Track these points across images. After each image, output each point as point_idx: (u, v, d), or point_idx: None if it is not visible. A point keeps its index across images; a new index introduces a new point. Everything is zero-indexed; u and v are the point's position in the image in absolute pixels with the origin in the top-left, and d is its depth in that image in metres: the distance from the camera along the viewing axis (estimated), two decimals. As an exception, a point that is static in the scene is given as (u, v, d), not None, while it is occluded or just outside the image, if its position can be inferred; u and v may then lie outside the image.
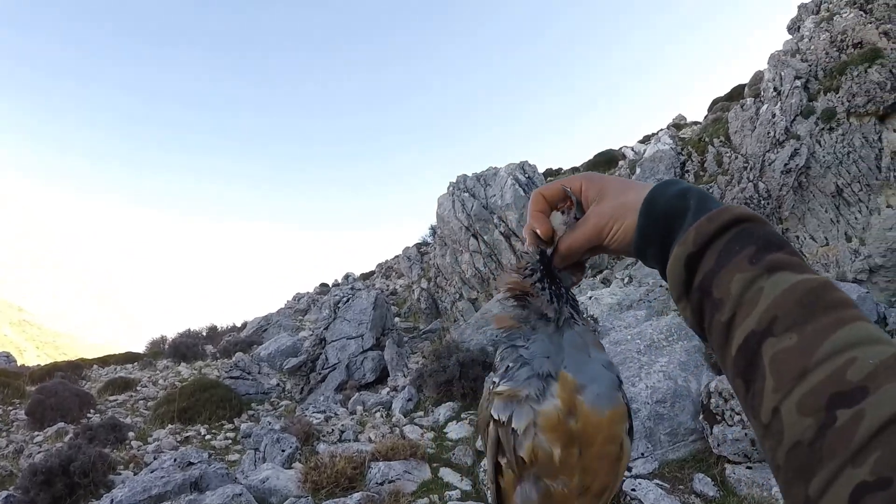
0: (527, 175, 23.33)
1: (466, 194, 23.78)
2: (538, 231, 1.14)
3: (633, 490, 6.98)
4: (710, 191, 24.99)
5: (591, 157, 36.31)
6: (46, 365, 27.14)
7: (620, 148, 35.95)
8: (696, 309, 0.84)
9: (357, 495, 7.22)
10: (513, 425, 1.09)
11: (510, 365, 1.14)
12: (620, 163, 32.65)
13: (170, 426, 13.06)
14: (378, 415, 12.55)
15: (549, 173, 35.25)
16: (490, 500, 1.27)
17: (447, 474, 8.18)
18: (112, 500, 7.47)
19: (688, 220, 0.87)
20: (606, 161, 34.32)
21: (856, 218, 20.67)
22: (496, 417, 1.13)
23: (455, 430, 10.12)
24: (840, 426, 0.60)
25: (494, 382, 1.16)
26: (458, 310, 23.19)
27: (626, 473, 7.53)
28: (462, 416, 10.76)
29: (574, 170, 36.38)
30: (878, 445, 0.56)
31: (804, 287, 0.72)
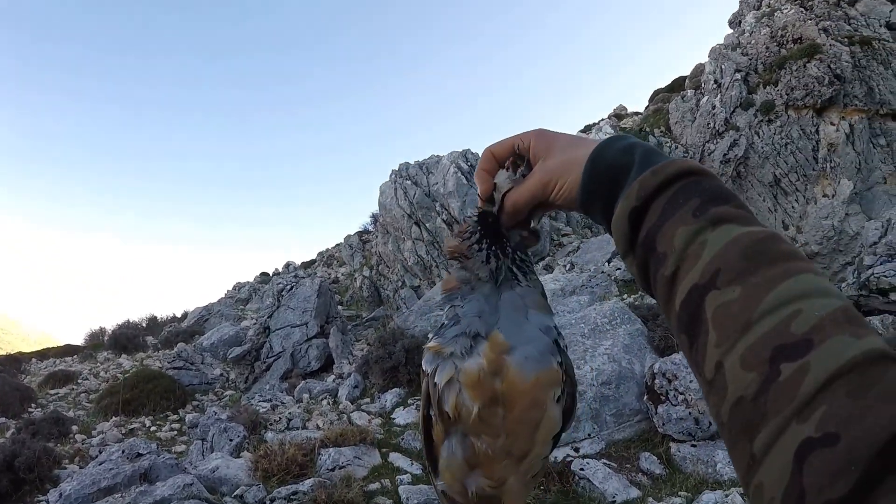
0: (469, 163, 23.39)
1: (409, 182, 23.80)
2: (478, 191, 1.16)
3: (582, 469, 7.16)
4: None
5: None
6: None
7: (563, 136, 36.31)
8: (641, 264, 0.82)
9: (309, 482, 7.26)
10: (434, 379, 1.10)
11: (444, 322, 1.15)
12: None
13: (114, 418, 12.91)
14: (325, 402, 12.56)
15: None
16: (423, 452, 1.29)
17: (397, 459, 8.27)
18: (61, 495, 7.42)
19: (632, 174, 0.84)
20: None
21: (793, 207, 21.30)
22: (424, 369, 1.15)
23: (402, 416, 10.23)
24: (784, 380, 0.58)
25: (429, 338, 1.18)
26: (400, 297, 23.26)
27: (574, 454, 7.69)
28: (409, 401, 10.87)
29: (516, 158, 36.47)
30: (824, 400, 0.55)
31: (749, 239, 0.71)
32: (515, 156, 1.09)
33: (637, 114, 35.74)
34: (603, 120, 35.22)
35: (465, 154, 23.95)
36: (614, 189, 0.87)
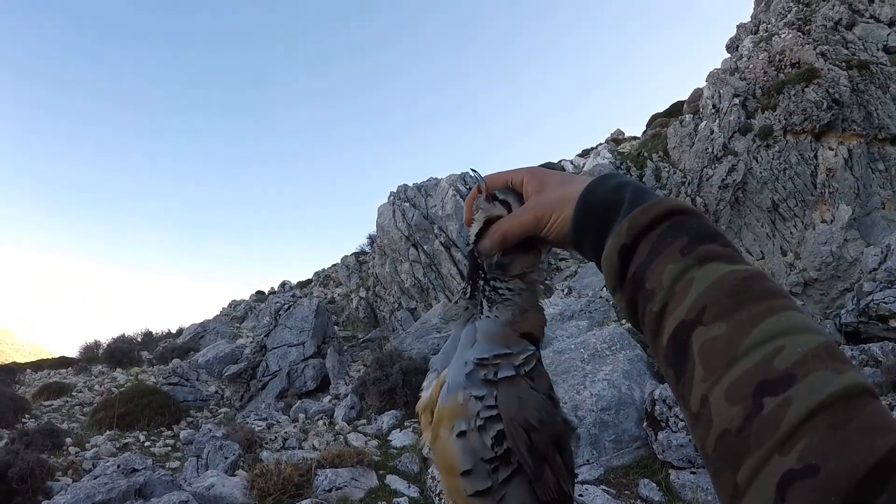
0: (468, 186, 23.41)
1: (407, 204, 23.85)
2: (465, 217, 1.18)
3: (581, 496, 7.11)
4: None
5: (531, 168, 36.62)
6: None
7: (560, 161, 36.16)
8: (629, 300, 0.84)
9: (306, 502, 7.26)
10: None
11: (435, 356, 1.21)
12: (558, 176, 33.04)
13: (108, 432, 12.86)
14: (321, 422, 12.52)
15: (490, 185, 35.70)
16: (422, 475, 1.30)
17: (394, 481, 8.23)
18: (55, 507, 7.36)
19: (622, 211, 0.86)
20: (544, 174, 34.65)
21: (791, 233, 21.26)
22: None
23: (399, 438, 10.17)
24: (767, 414, 0.60)
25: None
26: (396, 319, 23.24)
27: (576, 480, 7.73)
28: (405, 423, 10.80)
29: (512, 181, 36.54)
30: (806, 433, 0.57)
31: (734, 277, 0.72)
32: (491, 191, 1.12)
33: (635, 138, 35.82)
34: (601, 145, 35.26)
35: (464, 177, 24.00)
36: (605, 226, 0.89)
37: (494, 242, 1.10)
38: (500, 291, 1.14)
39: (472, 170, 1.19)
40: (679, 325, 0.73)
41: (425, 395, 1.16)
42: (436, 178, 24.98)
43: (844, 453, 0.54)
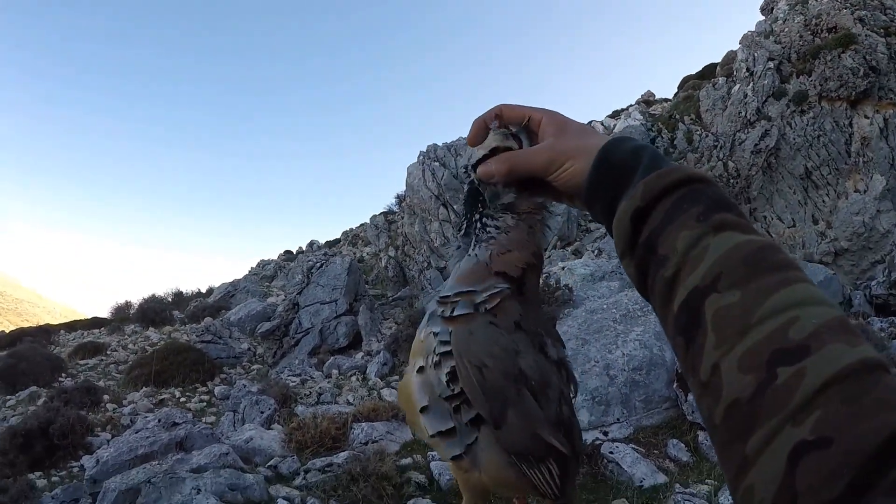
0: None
1: (437, 164, 23.71)
2: (469, 134, 1.15)
3: (611, 453, 7.12)
4: None
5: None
6: (14, 330, 26.94)
7: (590, 122, 35.76)
8: (639, 265, 0.83)
9: (343, 454, 7.26)
10: None
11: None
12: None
13: (144, 389, 13.05)
14: (354, 378, 12.61)
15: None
16: None
17: (428, 436, 8.29)
18: (98, 461, 7.50)
19: (638, 176, 0.85)
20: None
21: (823, 201, 20.92)
22: None
23: (432, 395, 10.23)
24: (781, 384, 0.59)
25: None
26: (425, 278, 23.21)
27: (602, 437, 7.69)
28: (438, 381, 10.84)
29: (542, 142, 36.19)
30: (820, 404, 0.56)
31: (750, 246, 0.72)
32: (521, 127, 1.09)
33: (666, 100, 35.16)
34: (632, 106, 34.78)
35: (494, 135, 23.83)
36: (618, 187, 0.88)
37: (499, 171, 1.08)
38: (487, 229, 1.14)
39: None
40: (692, 291, 0.72)
41: (420, 329, 1.16)
42: (465, 138, 24.84)
43: (858, 426, 0.54)
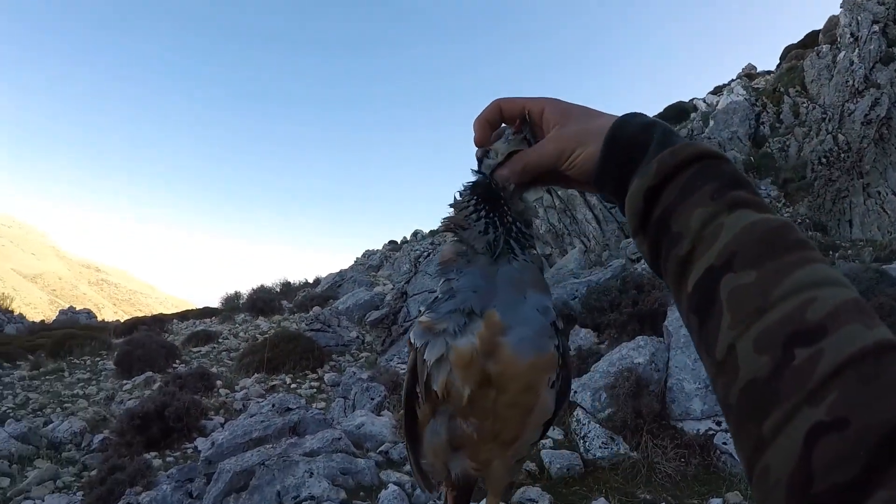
0: (602, 130, 22.98)
1: (545, 150, 23.63)
2: (474, 136, 1.10)
3: (725, 444, 6.89)
4: (788, 143, 24.82)
5: (661, 109, 35.48)
6: (130, 319, 28.14)
7: (691, 100, 35.13)
8: (652, 243, 0.81)
9: (455, 441, 7.16)
10: (424, 356, 1.04)
11: (439, 296, 1.08)
12: (692, 115, 31.99)
13: (255, 375, 13.27)
14: (461, 366, 12.55)
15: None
16: (402, 428, 1.26)
17: (538, 423, 8.11)
18: (213, 443, 7.59)
19: (650, 153, 0.83)
20: (677, 113, 33.56)
21: (942, 174, 19.79)
22: (413, 343, 1.08)
23: (542, 382, 10.02)
24: (798, 365, 0.58)
25: (420, 311, 1.13)
26: (526, 265, 23.10)
27: (716, 427, 7.37)
28: (547, 368, 10.62)
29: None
30: (836, 385, 0.55)
31: (765, 225, 0.70)
32: (522, 119, 1.05)
33: (769, 73, 34.26)
34: (733, 81, 33.94)
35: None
36: (629, 166, 0.86)
37: (514, 172, 1.05)
38: (525, 235, 1.09)
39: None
40: (707, 270, 0.71)
41: (466, 341, 1.00)
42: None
43: (874, 408, 0.53)
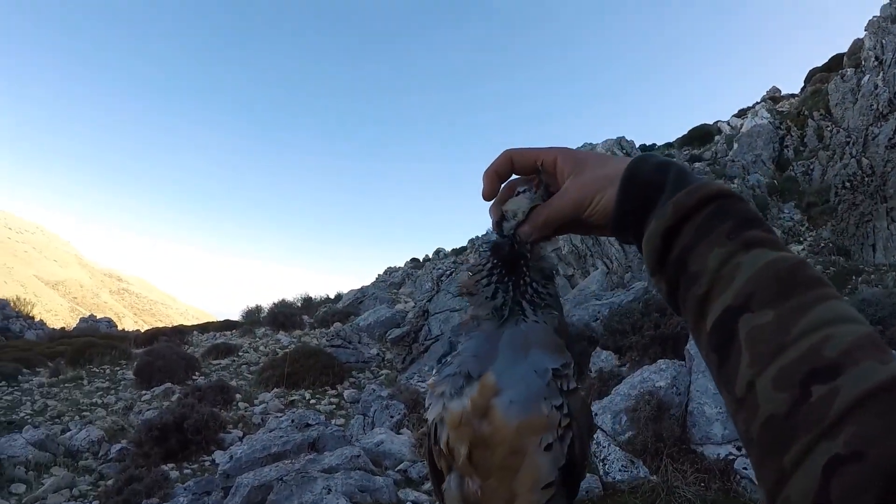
0: (625, 151, 22.99)
1: (567, 172, 23.67)
2: (483, 189, 1.09)
3: (745, 468, 6.84)
4: (812, 167, 24.99)
5: (685, 131, 35.78)
6: (150, 330, 28.37)
7: (715, 122, 35.31)
8: (670, 282, 0.82)
9: (475, 463, 7.15)
10: (425, 416, 1.08)
11: (448, 359, 1.08)
12: (717, 137, 32.13)
13: (275, 390, 13.24)
14: (484, 388, 12.49)
15: (644, 149, 34.59)
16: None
17: (557, 445, 8.05)
18: (232, 456, 7.58)
19: (665, 193, 0.84)
20: (701, 136, 33.79)
21: (967, 201, 19.64)
22: (425, 404, 1.11)
23: (564, 404, 9.93)
24: (815, 401, 0.60)
25: (432, 373, 1.12)
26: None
27: (736, 452, 7.33)
28: (572, 390, 10.53)
29: (668, 145, 35.74)
30: (852, 420, 0.57)
31: (781, 264, 0.71)
32: (536, 172, 1.05)
33: (793, 96, 34.45)
34: (758, 104, 34.01)
35: (620, 141, 23.50)
36: (647, 207, 0.87)
37: (537, 227, 1.04)
38: (541, 294, 1.07)
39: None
40: (725, 310, 0.72)
41: (458, 403, 1.02)
42: (591, 144, 24.58)
43: (889, 441, 0.55)
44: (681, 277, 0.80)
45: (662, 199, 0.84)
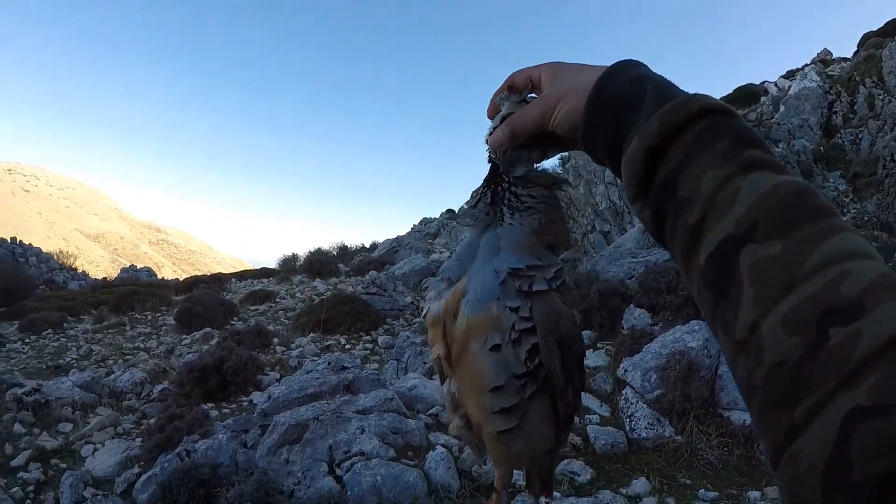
0: (673, 107, 22.63)
1: (606, 124, 23.42)
2: (487, 109, 1.11)
3: None
4: (860, 136, 24.04)
5: (730, 90, 34.61)
6: (189, 278, 28.76)
7: (762, 83, 34.16)
8: (655, 209, 0.75)
9: (504, 408, 7.24)
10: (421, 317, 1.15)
11: (445, 264, 1.17)
12: (763, 98, 31.16)
13: (311, 335, 13.42)
14: (515, 338, 12.54)
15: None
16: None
17: (587, 399, 8.03)
18: (270, 396, 7.79)
19: (645, 108, 0.77)
20: (747, 96, 32.67)
21: None
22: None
23: (592, 358, 9.87)
24: (834, 345, 0.54)
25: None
26: (589, 242, 22.88)
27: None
28: (598, 345, 10.48)
29: (713, 103, 34.81)
30: (877, 368, 0.51)
31: (786, 190, 0.65)
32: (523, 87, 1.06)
33: (845, 60, 33.24)
34: (807, 66, 33.08)
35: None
36: (619, 123, 0.81)
37: (504, 136, 1.03)
38: (521, 198, 1.11)
39: None
40: (723, 240, 0.66)
41: (436, 305, 1.12)
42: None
43: None
44: (668, 204, 0.73)
45: (642, 114, 0.77)
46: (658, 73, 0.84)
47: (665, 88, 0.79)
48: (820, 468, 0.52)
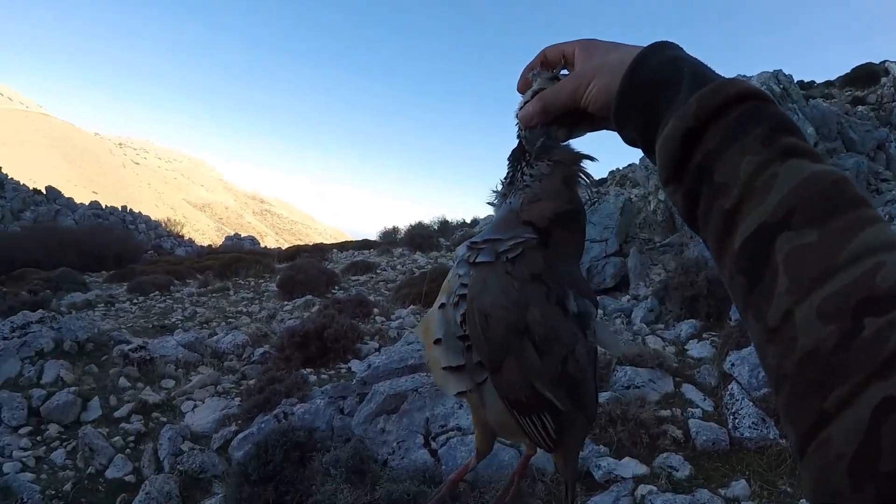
0: (781, 85, 21.78)
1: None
2: (518, 83, 1.11)
3: None
4: None
5: (848, 69, 33.41)
6: (292, 247, 29.69)
7: (883, 62, 32.77)
8: (689, 192, 0.75)
9: (605, 394, 7.20)
10: None
11: None
12: (883, 79, 29.77)
13: (411, 307, 13.48)
14: (618, 321, 12.30)
15: (803, 86, 32.62)
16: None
17: (689, 391, 7.78)
18: (370, 365, 7.76)
19: (682, 90, 0.77)
20: (866, 76, 31.31)
21: None
22: None
23: (697, 349, 9.59)
24: (868, 335, 0.54)
25: None
26: (699, 225, 22.36)
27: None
28: (703, 335, 10.17)
29: (828, 84, 33.63)
30: None
31: (823, 178, 0.64)
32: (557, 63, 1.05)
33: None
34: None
35: (777, 75, 22.25)
36: (655, 104, 0.80)
37: (534, 111, 1.03)
38: (524, 177, 1.13)
39: None
40: (759, 227, 0.66)
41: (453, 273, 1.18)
42: (744, 75, 23.52)
43: None
44: (703, 187, 0.73)
45: (678, 96, 0.77)
46: (693, 56, 0.83)
47: (702, 71, 0.79)
48: (849, 457, 0.52)
